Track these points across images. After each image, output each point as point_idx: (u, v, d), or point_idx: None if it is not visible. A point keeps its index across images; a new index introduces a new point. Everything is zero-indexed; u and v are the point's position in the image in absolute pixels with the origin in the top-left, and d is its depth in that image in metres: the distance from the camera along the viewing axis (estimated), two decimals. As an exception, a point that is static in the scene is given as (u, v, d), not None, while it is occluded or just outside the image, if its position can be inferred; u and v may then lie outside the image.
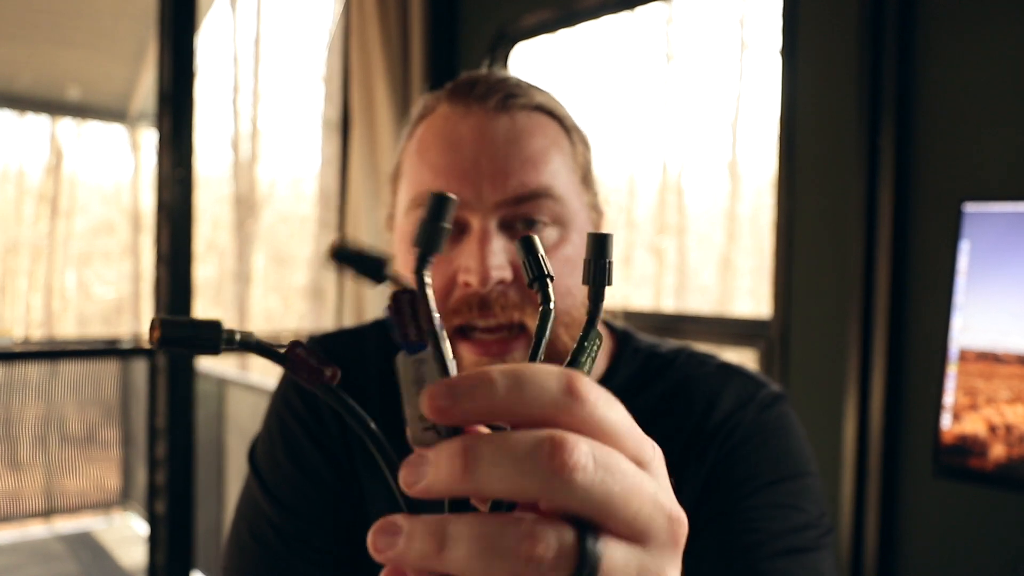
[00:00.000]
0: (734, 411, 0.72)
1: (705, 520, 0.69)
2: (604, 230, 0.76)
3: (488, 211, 0.66)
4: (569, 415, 0.28)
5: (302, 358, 0.32)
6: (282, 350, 0.32)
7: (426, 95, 0.75)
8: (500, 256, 0.66)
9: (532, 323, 0.67)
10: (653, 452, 0.31)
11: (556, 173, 0.69)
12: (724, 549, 0.66)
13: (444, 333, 0.32)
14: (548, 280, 0.36)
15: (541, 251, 0.37)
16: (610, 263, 0.34)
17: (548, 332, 0.35)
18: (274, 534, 0.72)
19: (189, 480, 2.12)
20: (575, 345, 0.34)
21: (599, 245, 0.34)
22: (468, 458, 0.28)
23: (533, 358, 0.34)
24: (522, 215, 0.67)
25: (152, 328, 0.30)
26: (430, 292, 0.32)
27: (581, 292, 0.70)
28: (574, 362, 0.34)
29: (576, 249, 0.70)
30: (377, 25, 2.28)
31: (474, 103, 0.69)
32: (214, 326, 0.31)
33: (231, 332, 0.31)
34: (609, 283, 0.34)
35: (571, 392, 0.28)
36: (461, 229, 0.68)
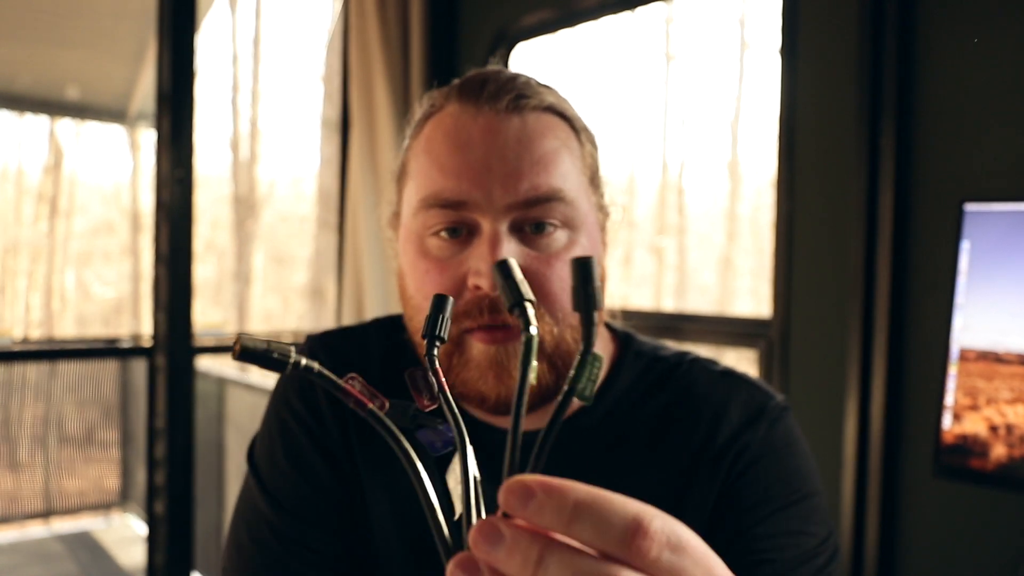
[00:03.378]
0: (744, 429, 0.73)
1: (717, 545, 0.69)
2: (610, 231, 0.76)
3: (499, 213, 0.66)
4: (630, 559, 0.31)
5: (358, 389, 0.38)
6: (344, 381, 0.38)
7: (432, 92, 0.74)
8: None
9: (540, 325, 0.67)
10: None
11: (566, 175, 0.68)
12: None
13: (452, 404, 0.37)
14: (529, 304, 0.37)
15: (518, 275, 0.38)
16: (597, 288, 0.36)
17: (533, 359, 0.36)
18: (273, 536, 0.72)
19: (188, 480, 2.11)
20: (572, 372, 0.35)
21: (583, 270, 0.35)
22: (537, 567, 0.31)
23: (521, 386, 0.35)
24: (532, 218, 0.67)
25: (235, 343, 0.36)
26: (440, 371, 0.38)
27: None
28: (571, 391, 0.35)
29: (584, 251, 0.69)
30: (377, 25, 2.28)
31: (484, 103, 0.68)
32: (286, 352, 0.37)
33: (298, 360, 0.37)
34: (598, 307, 0.36)
35: (636, 538, 0.31)
36: (471, 230, 0.67)
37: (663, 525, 0.31)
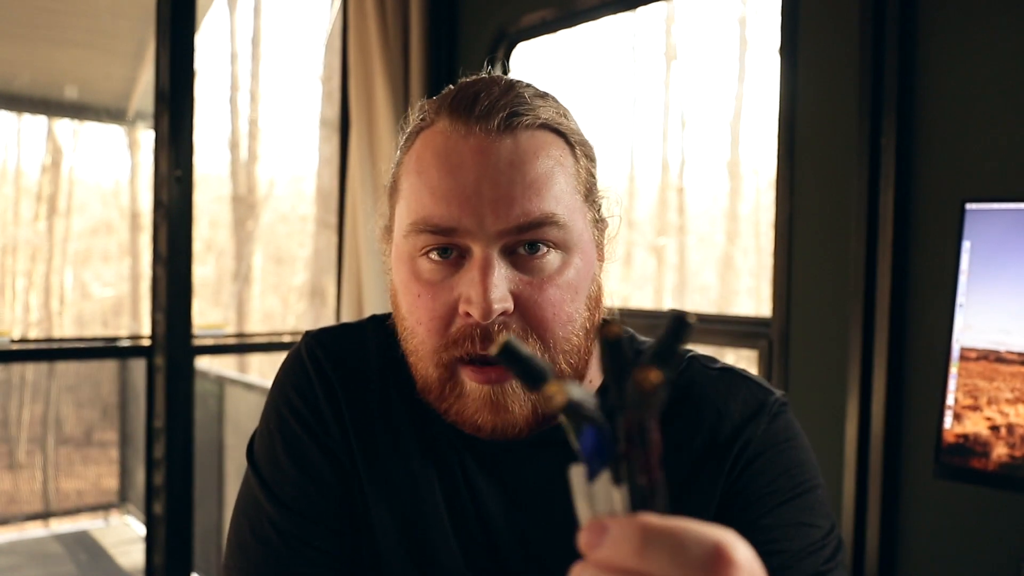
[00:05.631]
0: (745, 424, 0.73)
1: None
2: (607, 241, 0.75)
3: (490, 239, 0.65)
4: None
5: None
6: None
7: (424, 103, 0.72)
8: (502, 287, 0.65)
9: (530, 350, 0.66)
10: None
11: (559, 197, 0.67)
12: None
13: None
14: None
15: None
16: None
17: None
18: (275, 533, 0.72)
19: (188, 481, 2.11)
20: None
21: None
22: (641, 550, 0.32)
23: None
24: (525, 242, 0.66)
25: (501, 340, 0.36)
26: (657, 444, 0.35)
27: (582, 317, 0.69)
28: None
29: (578, 272, 0.69)
30: (376, 24, 2.28)
31: (475, 123, 0.66)
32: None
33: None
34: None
35: (720, 569, 0.31)
36: (462, 254, 0.67)
37: (746, 555, 0.32)
